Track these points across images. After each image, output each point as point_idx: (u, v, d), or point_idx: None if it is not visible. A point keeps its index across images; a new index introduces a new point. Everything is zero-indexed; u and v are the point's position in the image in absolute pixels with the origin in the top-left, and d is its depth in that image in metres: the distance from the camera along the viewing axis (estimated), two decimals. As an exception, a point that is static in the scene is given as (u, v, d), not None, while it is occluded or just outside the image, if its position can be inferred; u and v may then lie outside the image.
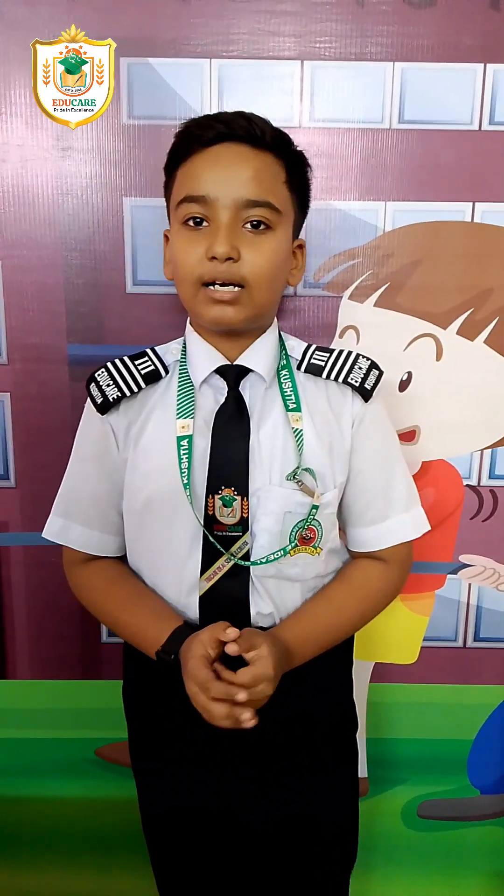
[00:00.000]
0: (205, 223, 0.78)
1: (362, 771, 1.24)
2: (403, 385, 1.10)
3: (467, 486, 1.14)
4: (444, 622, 1.19)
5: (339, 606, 0.88)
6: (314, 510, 0.84)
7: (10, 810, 1.26)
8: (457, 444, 1.13)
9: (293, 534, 0.84)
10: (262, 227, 0.78)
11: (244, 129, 0.77)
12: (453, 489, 1.14)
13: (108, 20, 0.98)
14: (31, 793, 1.26)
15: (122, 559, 0.93)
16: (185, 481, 0.81)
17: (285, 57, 1.00)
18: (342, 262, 1.06)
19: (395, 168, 1.03)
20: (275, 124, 0.80)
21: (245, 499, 0.82)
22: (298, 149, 0.83)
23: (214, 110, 1.00)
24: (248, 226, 0.77)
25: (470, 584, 1.18)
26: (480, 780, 1.26)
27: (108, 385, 0.85)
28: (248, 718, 0.73)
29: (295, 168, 0.82)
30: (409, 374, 1.10)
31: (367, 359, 0.88)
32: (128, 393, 0.85)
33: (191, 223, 0.78)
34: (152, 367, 0.86)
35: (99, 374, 0.86)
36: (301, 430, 0.84)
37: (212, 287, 0.78)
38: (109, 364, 0.86)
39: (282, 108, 1.01)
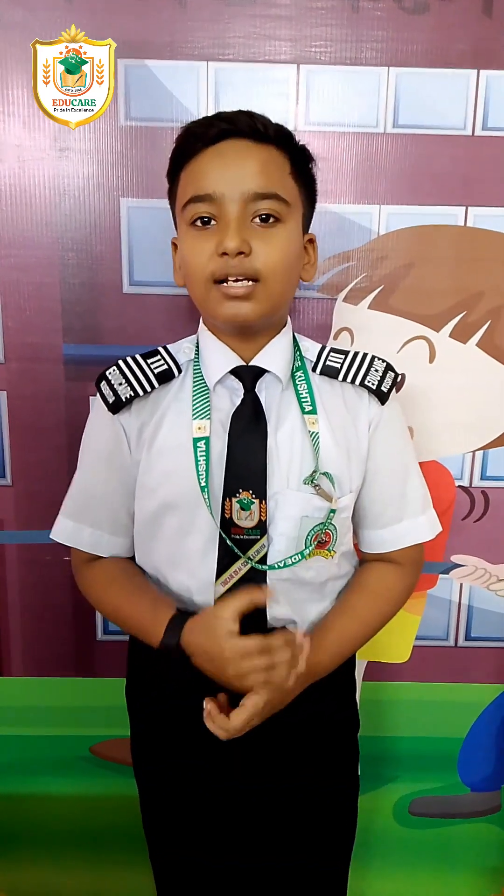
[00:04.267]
0: (213, 222, 0.76)
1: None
2: (397, 387, 1.11)
3: (459, 486, 1.16)
4: (435, 621, 1.20)
5: (362, 617, 0.88)
6: (331, 514, 0.82)
7: (3, 807, 1.27)
8: (449, 446, 1.14)
9: (309, 538, 0.82)
10: (271, 219, 0.76)
11: (246, 125, 0.76)
12: (445, 490, 1.15)
13: (105, 23, 0.99)
14: (26, 790, 1.26)
15: (131, 558, 0.92)
16: (203, 484, 0.79)
17: (281, 61, 1.01)
18: (337, 264, 1.07)
19: (389, 172, 1.04)
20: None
21: (263, 502, 0.80)
22: (301, 143, 0.81)
23: (211, 113, 1.01)
24: (258, 220, 0.76)
25: (461, 584, 1.19)
26: (471, 777, 1.27)
27: (121, 384, 0.82)
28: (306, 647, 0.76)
29: (299, 161, 0.80)
30: (403, 375, 1.10)
31: (383, 361, 0.87)
32: (141, 393, 0.82)
33: (199, 223, 0.77)
34: (165, 367, 0.84)
35: (110, 373, 0.83)
36: (317, 433, 0.82)
37: (224, 284, 0.76)
38: (121, 362, 0.84)
39: (277, 111, 1.01)
